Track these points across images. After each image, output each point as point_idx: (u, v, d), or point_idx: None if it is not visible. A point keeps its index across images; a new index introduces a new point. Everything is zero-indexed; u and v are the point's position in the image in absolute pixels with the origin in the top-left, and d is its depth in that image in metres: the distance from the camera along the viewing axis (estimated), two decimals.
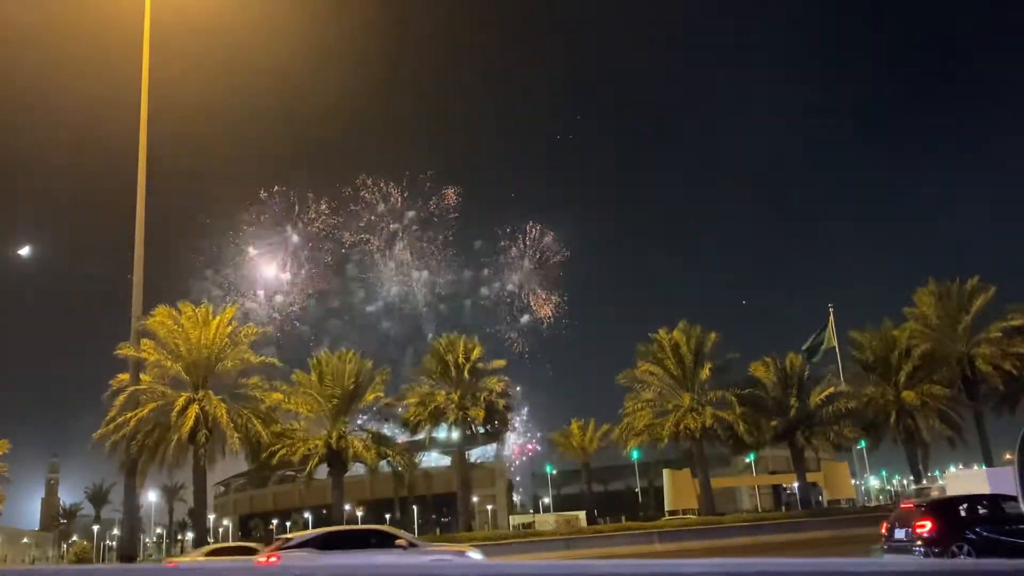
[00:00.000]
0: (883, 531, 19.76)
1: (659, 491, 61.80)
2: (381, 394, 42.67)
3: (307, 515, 75.49)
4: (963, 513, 19.05)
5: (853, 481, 65.90)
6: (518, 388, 48.90)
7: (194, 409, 35.98)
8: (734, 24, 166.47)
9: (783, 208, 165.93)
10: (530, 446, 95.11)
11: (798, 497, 53.77)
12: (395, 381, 47.25)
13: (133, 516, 39.86)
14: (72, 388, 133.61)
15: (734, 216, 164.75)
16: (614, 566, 2.17)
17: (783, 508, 62.70)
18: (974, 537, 17.66)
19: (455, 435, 44.89)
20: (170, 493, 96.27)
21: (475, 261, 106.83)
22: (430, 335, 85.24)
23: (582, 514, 61.45)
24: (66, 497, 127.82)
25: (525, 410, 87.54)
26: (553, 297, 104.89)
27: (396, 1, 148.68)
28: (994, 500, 19.09)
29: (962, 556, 17.20)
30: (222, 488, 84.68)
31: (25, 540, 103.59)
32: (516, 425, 55.86)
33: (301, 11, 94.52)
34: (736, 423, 41.86)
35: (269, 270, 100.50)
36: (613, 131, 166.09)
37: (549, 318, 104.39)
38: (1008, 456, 48.92)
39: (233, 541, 56.75)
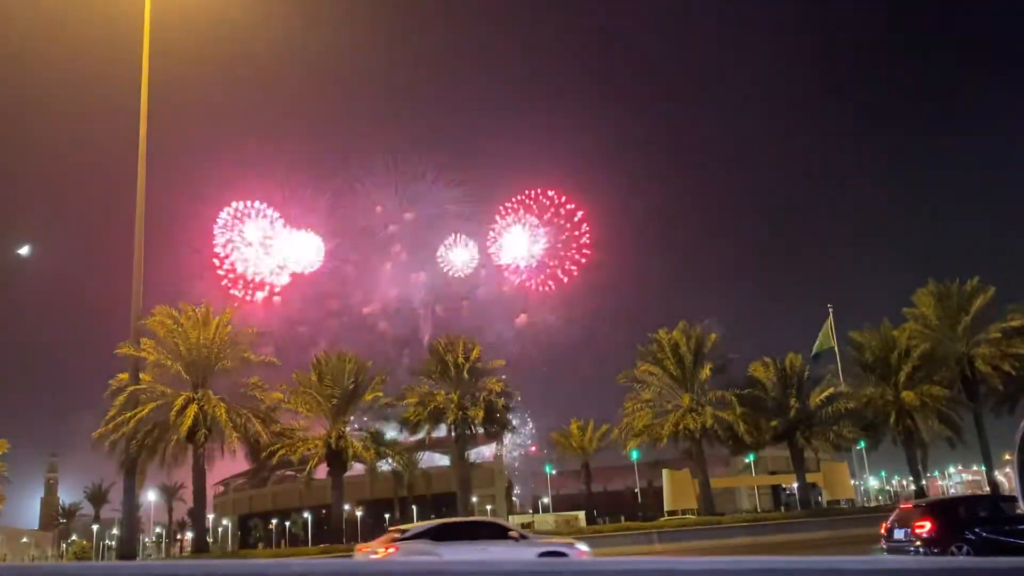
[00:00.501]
0: (882, 531, 19.76)
1: (658, 491, 61.78)
2: (380, 394, 42.68)
3: (306, 515, 75.46)
4: (962, 513, 19.06)
5: (853, 481, 65.93)
6: (517, 396, 48.69)
7: (193, 408, 36.01)
8: (729, 18, 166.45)
9: (783, 208, 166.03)
10: (533, 447, 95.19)
11: (797, 497, 53.78)
12: (393, 382, 47.32)
13: (132, 515, 39.91)
14: (72, 388, 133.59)
15: (734, 216, 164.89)
16: (613, 564, 2.18)
17: (782, 508, 62.67)
18: (973, 537, 17.66)
19: (454, 435, 44.91)
20: (169, 492, 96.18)
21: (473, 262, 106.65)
22: (426, 337, 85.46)
23: (581, 514, 61.48)
24: (65, 496, 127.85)
25: (527, 413, 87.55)
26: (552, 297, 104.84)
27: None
28: (993, 500, 19.13)
29: (961, 556, 17.20)
30: (221, 488, 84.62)
31: (24, 539, 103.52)
32: (515, 425, 55.59)
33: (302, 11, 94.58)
34: (736, 423, 41.84)
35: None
36: (613, 130, 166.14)
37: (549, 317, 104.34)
38: (1007, 456, 48.99)
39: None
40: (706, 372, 44.21)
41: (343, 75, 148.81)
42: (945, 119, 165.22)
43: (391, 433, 44.95)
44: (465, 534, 20.61)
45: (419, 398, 43.76)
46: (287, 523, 78.80)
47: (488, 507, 77.33)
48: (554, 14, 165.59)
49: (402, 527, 21.87)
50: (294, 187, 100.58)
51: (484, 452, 70.21)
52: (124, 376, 36.57)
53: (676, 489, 53.84)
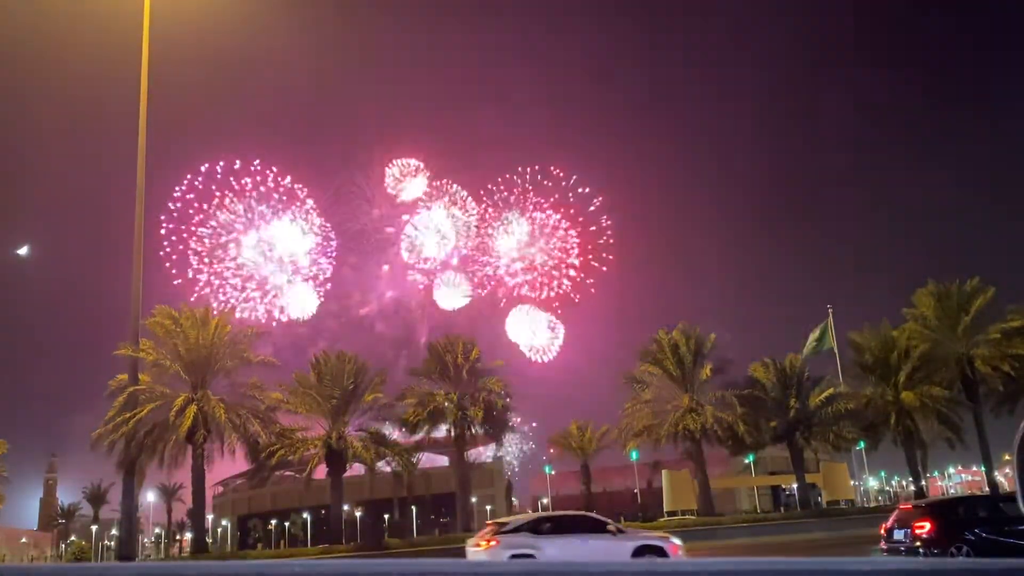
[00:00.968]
0: (882, 532, 19.74)
1: (658, 492, 61.76)
2: (380, 394, 42.64)
3: (306, 515, 75.42)
4: (962, 514, 19.04)
5: (852, 482, 65.91)
6: (512, 404, 48.65)
7: (192, 409, 35.99)
8: (731, 16, 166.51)
9: (783, 208, 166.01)
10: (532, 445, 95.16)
11: (797, 498, 53.79)
12: (391, 383, 47.28)
13: (131, 516, 39.80)
14: (72, 388, 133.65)
15: (734, 217, 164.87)
16: (613, 565, 2.16)
17: (782, 509, 62.72)
18: (973, 538, 17.63)
19: (454, 435, 44.88)
20: (168, 493, 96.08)
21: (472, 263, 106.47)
22: (423, 339, 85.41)
23: None
24: (64, 497, 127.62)
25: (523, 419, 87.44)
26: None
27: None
28: (993, 501, 19.10)
29: (961, 557, 17.17)
30: (220, 488, 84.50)
31: (23, 540, 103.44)
32: (515, 425, 55.59)
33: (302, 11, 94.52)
34: (736, 423, 41.84)
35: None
36: (613, 130, 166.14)
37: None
38: (1007, 457, 49.03)
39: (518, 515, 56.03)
40: (706, 372, 44.23)
41: (343, 75, 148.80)
42: (945, 119, 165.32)
43: (392, 434, 44.97)
44: (564, 528, 20.88)
45: (419, 398, 43.76)
46: (286, 524, 78.71)
47: (488, 507, 77.28)
48: (552, 15, 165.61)
49: (501, 520, 22.15)
50: (291, 188, 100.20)
51: (484, 452, 70.21)
52: (123, 377, 36.55)
53: (676, 489, 53.80)
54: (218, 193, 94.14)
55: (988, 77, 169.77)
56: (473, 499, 62.14)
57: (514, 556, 18.77)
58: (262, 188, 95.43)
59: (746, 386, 45.15)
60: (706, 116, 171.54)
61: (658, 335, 45.60)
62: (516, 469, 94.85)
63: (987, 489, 48.81)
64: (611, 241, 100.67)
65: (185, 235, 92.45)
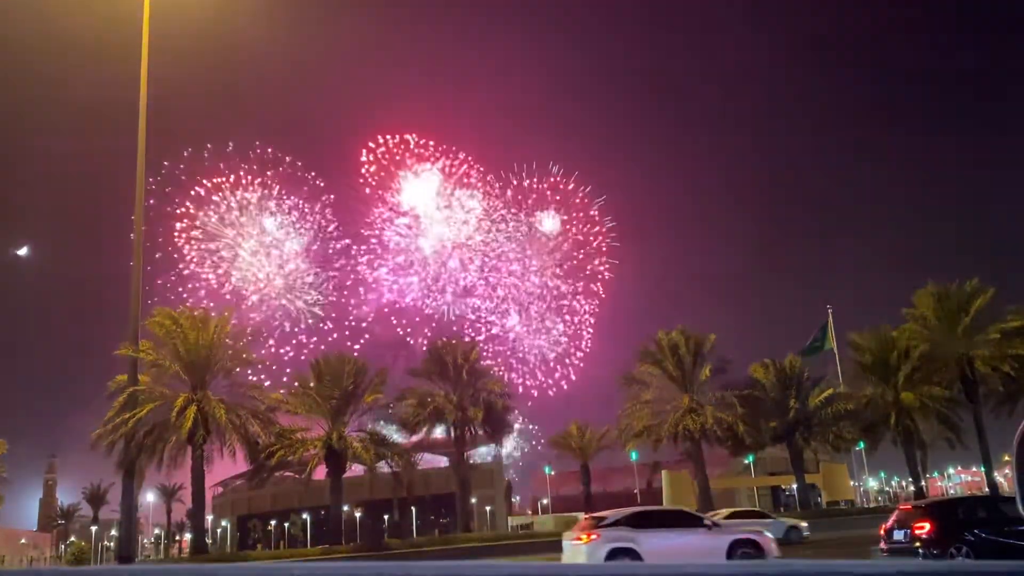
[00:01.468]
0: (882, 533, 19.72)
1: (658, 492, 61.71)
2: (380, 395, 42.65)
3: (305, 516, 75.37)
4: (961, 515, 19.01)
5: (852, 482, 65.92)
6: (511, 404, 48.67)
7: (192, 409, 35.97)
8: (730, 14, 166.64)
9: (783, 208, 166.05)
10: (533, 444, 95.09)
11: (797, 498, 53.80)
12: (390, 384, 47.25)
13: (131, 517, 39.72)
14: (71, 388, 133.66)
15: (734, 217, 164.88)
16: (613, 567, 2.15)
17: (781, 509, 62.66)
18: (972, 539, 17.60)
19: (454, 435, 44.87)
20: (168, 494, 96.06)
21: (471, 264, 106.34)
22: (422, 340, 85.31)
23: (581, 515, 61.19)
24: (64, 497, 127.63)
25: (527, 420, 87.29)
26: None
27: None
28: (993, 502, 19.08)
29: (960, 558, 17.16)
30: (220, 489, 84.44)
31: (23, 540, 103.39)
32: (515, 425, 55.59)
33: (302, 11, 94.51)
34: (736, 424, 41.85)
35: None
36: (613, 129, 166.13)
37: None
38: (1007, 457, 49.01)
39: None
40: (705, 373, 44.26)
41: (341, 76, 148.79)
42: (945, 119, 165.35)
43: (392, 435, 44.94)
44: (662, 522, 20.92)
45: (418, 399, 43.76)
46: (286, 524, 78.66)
47: (487, 508, 77.24)
48: (549, 17, 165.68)
49: (598, 515, 22.03)
50: (290, 188, 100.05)
51: (483, 452, 70.15)
52: (123, 377, 36.48)
53: (675, 490, 53.78)
54: (218, 193, 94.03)
55: (988, 76, 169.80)
56: (473, 499, 62.12)
57: (615, 549, 18.96)
58: (262, 189, 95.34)
59: (746, 386, 45.19)
60: (706, 116, 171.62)
61: (658, 336, 45.62)
62: (519, 467, 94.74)
63: (987, 489, 48.83)
64: (613, 243, 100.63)
65: (180, 240, 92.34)
